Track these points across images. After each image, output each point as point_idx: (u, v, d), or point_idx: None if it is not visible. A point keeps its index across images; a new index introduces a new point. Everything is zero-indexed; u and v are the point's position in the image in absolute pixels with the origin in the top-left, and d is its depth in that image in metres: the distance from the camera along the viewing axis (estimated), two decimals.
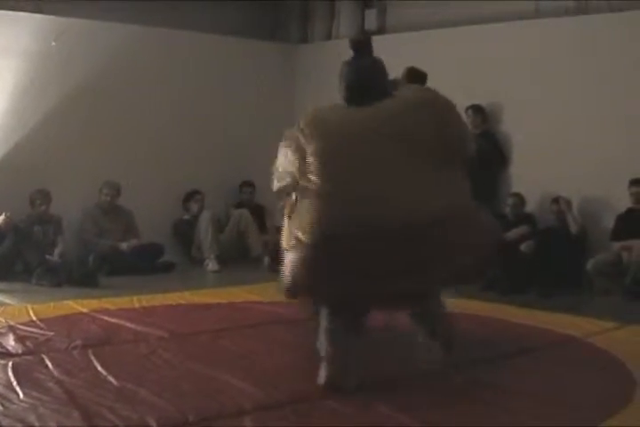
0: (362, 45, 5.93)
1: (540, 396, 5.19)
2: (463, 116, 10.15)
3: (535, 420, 4.77)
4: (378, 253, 4.89)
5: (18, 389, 5.10)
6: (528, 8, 10.25)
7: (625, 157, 9.30)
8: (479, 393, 5.25)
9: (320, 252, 4.90)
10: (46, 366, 5.66)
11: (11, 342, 6.30)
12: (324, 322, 5.25)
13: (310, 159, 5.13)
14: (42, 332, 6.66)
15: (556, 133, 9.84)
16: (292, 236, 5.03)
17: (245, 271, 10.32)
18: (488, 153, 10.20)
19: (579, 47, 9.74)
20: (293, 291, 5.12)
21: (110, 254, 10.01)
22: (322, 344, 5.24)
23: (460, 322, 7.35)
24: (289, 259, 5.04)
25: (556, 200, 9.60)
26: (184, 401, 4.94)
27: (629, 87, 9.36)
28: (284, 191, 5.41)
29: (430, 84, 10.42)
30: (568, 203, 9.54)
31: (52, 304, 7.87)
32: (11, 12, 9.96)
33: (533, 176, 9.93)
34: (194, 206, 11.14)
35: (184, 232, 11.06)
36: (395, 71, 10.52)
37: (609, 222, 9.35)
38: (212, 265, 10.36)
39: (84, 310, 7.59)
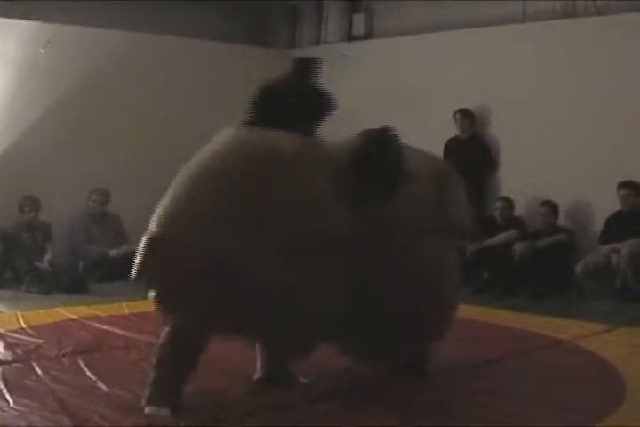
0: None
1: (532, 399, 5.21)
2: (451, 119, 10.24)
3: (527, 422, 4.80)
4: None
5: (8, 396, 5.08)
6: (515, 11, 10.26)
7: (613, 159, 9.32)
8: (471, 397, 5.27)
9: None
10: (36, 373, 5.65)
11: (0, 350, 6.28)
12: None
13: None
14: (31, 339, 6.63)
15: (544, 137, 9.85)
16: None
17: None
18: (476, 157, 10.25)
19: (567, 50, 9.77)
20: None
21: (100, 261, 9.98)
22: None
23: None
24: None
25: (544, 204, 9.62)
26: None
27: (617, 90, 9.38)
28: None
29: (419, 88, 10.56)
30: (554, 208, 9.58)
31: (41, 311, 7.85)
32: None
33: (522, 180, 9.95)
34: None
35: None
36: (381, 74, 10.58)
37: (598, 225, 9.36)
38: None
39: (74, 317, 7.58)
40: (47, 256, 9.72)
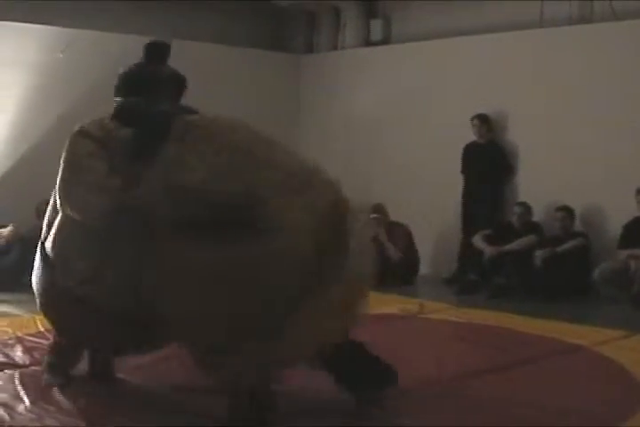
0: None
1: (548, 405, 5.19)
2: (469, 124, 10.22)
3: None
4: None
5: (25, 399, 5.11)
6: (533, 17, 10.24)
7: (631, 165, 9.29)
8: (487, 403, 5.25)
9: None
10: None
11: (18, 353, 6.32)
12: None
13: None
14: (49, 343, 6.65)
15: (561, 142, 9.82)
16: None
17: None
18: (493, 162, 10.23)
19: (584, 56, 9.74)
20: None
21: None
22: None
23: (468, 331, 7.41)
24: None
25: (560, 209, 9.59)
26: (190, 404, 4.96)
27: (635, 96, 9.35)
28: None
29: (436, 93, 10.57)
30: (571, 213, 9.55)
31: None
32: (17, 24, 9.99)
33: (540, 185, 9.92)
34: None
35: None
36: (398, 79, 10.57)
37: (616, 231, 9.32)
38: None
39: None
40: None
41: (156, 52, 5.76)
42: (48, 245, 5.21)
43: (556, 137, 9.86)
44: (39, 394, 5.23)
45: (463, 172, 10.46)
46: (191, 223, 4.34)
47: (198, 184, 4.38)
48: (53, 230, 5.13)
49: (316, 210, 4.42)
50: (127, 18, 10.99)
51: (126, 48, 10.65)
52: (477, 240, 9.82)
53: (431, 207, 10.74)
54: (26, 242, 9.53)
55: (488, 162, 10.25)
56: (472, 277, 9.80)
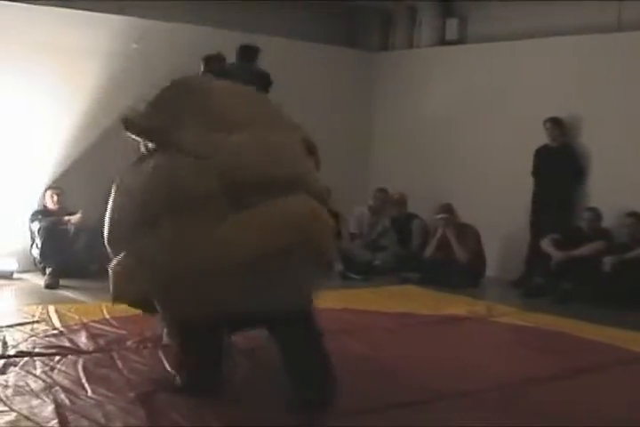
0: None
1: (609, 416, 5.12)
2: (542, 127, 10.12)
3: None
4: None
5: (86, 385, 5.18)
6: (611, 19, 10.11)
7: None
8: (547, 410, 5.19)
9: None
10: (116, 364, 5.73)
11: (83, 340, 6.38)
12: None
13: None
14: (114, 330, 6.73)
15: (635, 147, 9.68)
16: None
17: None
18: (565, 166, 10.12)
19: None
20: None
21: None
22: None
23: (534, 336, 7.34)
24: None
25: (630, 215, 9.45)
26: (252, 404, 4.98)
27: None
28: None
29: (510, 94, 10.48)
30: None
31: None
32: (93, 13, 10.08)
33: (611, 190, 9.78)
34: None
35: None
36: (472, 79, 10.53)
37: None
38: None
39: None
40: None
41: (248, 52, 6.96)
42: None
43: (630, 142, 9.72)
44: (101, 380, 5.27)
45: (534, 175, 10.35)
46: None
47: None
48: None
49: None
50: (202, 11, 11.04)
51: (199, 41, 10.77)
52: (546, 244, 9.71)
53: (500, 209, 10.64)
54: (94, 230, 9.61)
55: (560, 166, 10.14)
56: (539, 281, 9.71)
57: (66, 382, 5.23)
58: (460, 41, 11.97)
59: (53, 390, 5.07)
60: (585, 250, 9.43)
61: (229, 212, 4.64)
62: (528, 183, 10.35)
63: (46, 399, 4.87)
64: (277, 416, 4.80)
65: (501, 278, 10.44)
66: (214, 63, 7.01)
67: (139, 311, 7.38)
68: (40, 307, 7.51)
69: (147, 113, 5.26)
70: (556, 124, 10.19)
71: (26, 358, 5.75)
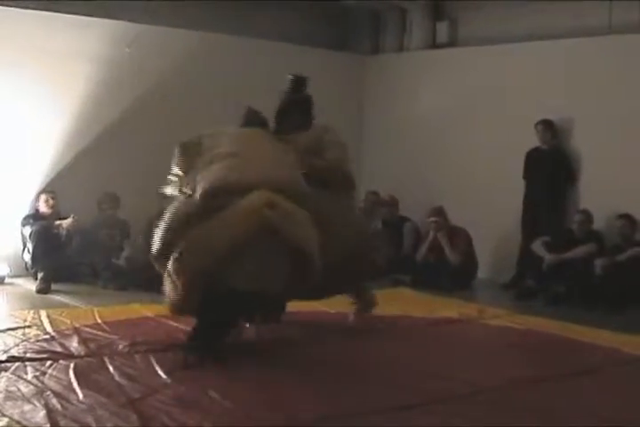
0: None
1: (603, 416, 5.13)
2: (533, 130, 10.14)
3: None
4: None
5: (78, 390, 5.17)
6: (601, 23, 10.13)
7: None
8: (539, 411, 5.20)
9: None
10: (107, 368, 5.72)
11: (74, 344, 6.38)
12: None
13: None
14: (106, 335, 6.72)
15: (626, 150, 9.70)
16: None
17: None
18: (556, 168, 10.14)
19: None
20: None
21: None
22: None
23: (525, 338, 7.35)
24: None
25: (621, 217, 9.46)
26: (243, 409, 4.96)
27: None
28: None
29: (500, 97, 10.51)
30: (632, 221, 9.43)
31: (117, 307, 7.95)
32: (84, 17, 10.06)
33: (603, 193, 9.79)
34: None
35: None
36: (463, 83, 10.57)
37: None
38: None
39: (150, 314, 7.62)
40: (124, 253, 9.80)
41: (299, 82, 7.66)
42: None
43: (621, 145, 9.74)
44: (92, 385, 5.27)
45: (525, 177, 10.38)
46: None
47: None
48: None
49: None
50: (193, 15, 11.04)
51: (190, 44, 10.79)
52: (537, 246, 9.73)
53: (491, 212, 10.65)
54: (86, 234, 9.63)
55: (551, 168, 10.16)
56: (530, 284, 9.74)
57: (57, 387, 5.22)
58: (451, 44, 11.98)
59: (45, 394, 5.05)
60: (576, 252, 9.44)
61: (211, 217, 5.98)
62: (519, 186, 10.37)
63: (38, 404, 4.86)
64: (266, 418, 4.82)
65: (493, 281, 10.46)
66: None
67: (130, 316, 7.50)
68: (32, 312, 7.50)
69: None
70: (547, 126, 10.21)
71: (17, 363, 5.74)
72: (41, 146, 9.93)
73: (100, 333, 6.78)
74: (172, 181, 6.91)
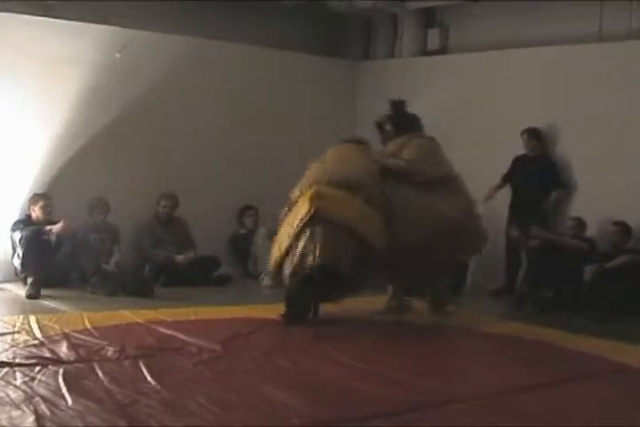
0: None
1: (592, 424, 5.13)
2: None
3: None
4: None
5: (67, 396, 5.15)
6: (591, 31, 10.17)
7: None
8: (527, 419, 5.21)
9: None
10: (97, 374, 5.71)
11: (64, 350, 6.36)
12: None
13: None
14: (95, 340, 6.71)
15: (615, 156, 9.72)
16: None
17: None
18: (542, 176, 10.13)
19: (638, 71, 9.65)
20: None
21: (166, 266, 10.05)
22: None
23: (514, 346, 7.35)
24: None
25: (616, 223, 9.46)
26: (232, 415, 4.96)
27: None
28: None
29: (490, 103, 10.52)
30: (624, 228, 9.44)
31: (107, 313, 7.94)
32: (76, 23, 10.06)
33: (593, 199, 9.80)
34: (248, 221, 11.18)
35: (241, 246, 11.10)
36: (454, 89, 10.55)
37: None
38: (266, 280, 10.32)
39: (139, 320, 7.63)
40: (114, 258, 9.79)
41: (399, 105, 8.92)
42: None
43: (610, 151, 9.75)
44: (81, 391, 5.26)
45: (510, 182, 10.40)
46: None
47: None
48: None
49: None
50: (185, 20, 11.05)
51: (181, 49, 10.79)
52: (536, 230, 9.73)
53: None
54: (76, 238, 9.60)
55: (537, 175, 10.16)
56: (520, 291, 9.73)
57: (46, 393, 5.20)
58: (442, 51, 12.00)
59: (34, 400, 5.03)
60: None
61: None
62: (507, 192, 10.41)
63: (26, 410, 4.84)
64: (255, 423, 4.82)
65: (482, 288, 10.46)
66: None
67: (120, 322, 7.48)
68: (21, 317, 7.49)
69: None
70: (531, 135, 10.23)
71: (6, 369, 5.72)
72: (31, 151, 9.91)
73: (89, 338, 6.77)
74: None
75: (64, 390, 5.27)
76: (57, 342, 6.61)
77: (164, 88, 10.71)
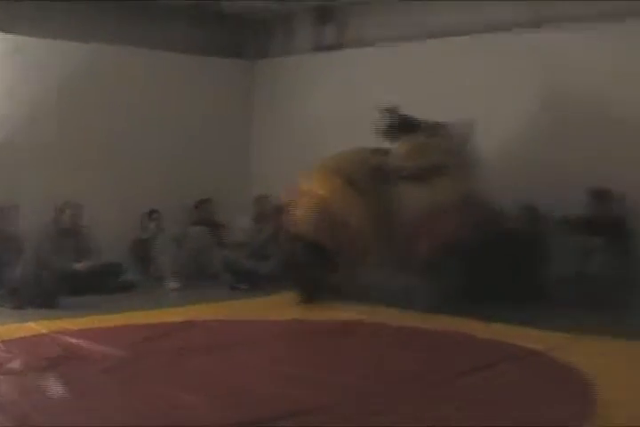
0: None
1: (502, 411, 5.21)
2: None
3: None
4: None
5: None
6: (481, 22, 10.31)
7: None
8: (441, 408, 5.26)
9: None
10: (1, 387, 5.61)
11: None
12: None
13: None
14: (1, 354, 6.59)
15: (527, 148, 9.89)
16: None
17: (205, 289, 10.24)
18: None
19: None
20: None
21: (65, 274, 9.84)
22: None
23: (421, 337, 7.39)
24: None
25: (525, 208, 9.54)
26: (139, 421, 4.94)
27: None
28: None
29: (390, 98, 10.56)
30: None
31: (13, 326, 7.81)
32: None
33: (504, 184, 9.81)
34: (151, 225, 11.09)
35: (143, 251, 10.98)
36: (349, 84, 10.53)
37: None
38: (172, 283, 10.26)
39: (45, 331, 7.53)
40: (18, 270, 9.59)
41: (408, 122, 9.49)
42: None
43: (520, 143, 9.90)
44: None
45: None
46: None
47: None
48: None
49: None
50: (74, 24, 10.90)
51: (76, 55, 10.67)
52: None
53: None
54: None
55: None
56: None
57: None
58: (339, 46, 12.03)
59: None
60: None
61: None
62: None
63: None
64: None
65: None
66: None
67: (26, 334, 7.35)
68: None
69: None
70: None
71: None
72: None
73: None
74: None
75: None
76: None
77: (62, 95, 10.58)
